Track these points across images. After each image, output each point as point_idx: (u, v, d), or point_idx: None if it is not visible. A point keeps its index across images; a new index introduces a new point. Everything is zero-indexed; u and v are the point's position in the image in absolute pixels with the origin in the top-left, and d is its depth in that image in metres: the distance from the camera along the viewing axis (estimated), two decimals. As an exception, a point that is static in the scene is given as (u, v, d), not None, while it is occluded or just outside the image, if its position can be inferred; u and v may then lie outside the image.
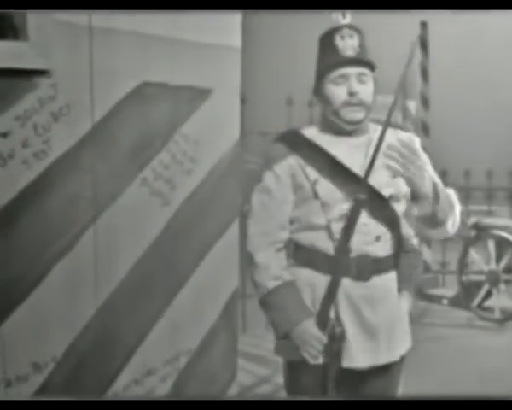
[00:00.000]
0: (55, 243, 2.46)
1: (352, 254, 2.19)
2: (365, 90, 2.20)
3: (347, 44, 2.21)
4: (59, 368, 2.49)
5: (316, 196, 2.21)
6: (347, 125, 2.23)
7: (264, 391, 4.41)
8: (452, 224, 2.28)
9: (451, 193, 2.31)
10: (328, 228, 2.20)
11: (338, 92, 2.20)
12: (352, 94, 2.18)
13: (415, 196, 2.20)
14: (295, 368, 2.27)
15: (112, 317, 2.63)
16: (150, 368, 2.78)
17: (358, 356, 2.21)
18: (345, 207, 2.18)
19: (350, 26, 2.25)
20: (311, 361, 2.17)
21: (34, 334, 2.42)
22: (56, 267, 2.46)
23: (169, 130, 2.80)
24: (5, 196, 2.34)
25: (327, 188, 2.21)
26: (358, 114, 2.21)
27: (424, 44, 7.39)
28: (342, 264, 2.18)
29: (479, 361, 5.06)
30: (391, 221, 2.25)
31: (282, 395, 2.39)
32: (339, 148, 2.24)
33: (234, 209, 3.09)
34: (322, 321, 2.19)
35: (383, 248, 2.24)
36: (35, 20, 2.36)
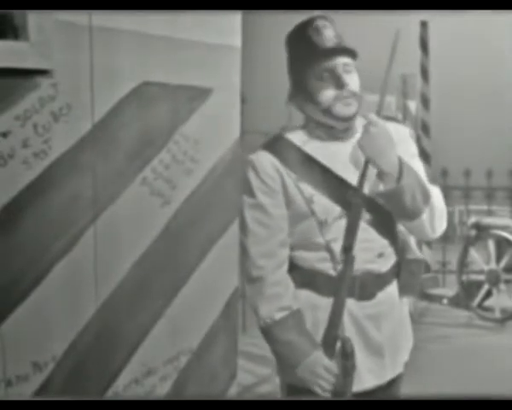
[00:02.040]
0: (56, 243, 2.45)
1: (355, 273, 2.07)
2: (353, 80, 2.06)
3: (325, 36, 2.04)
4: (59, 368, 2.49)
5: (312, 213, 2.09)
6: (340, 122, 2.08)
7: (264, 391, 4.42)
8: (430, 219, 2.10)
9: (435, 190, 2.16)
10: (327, 248, 2.09)
11: (326, 87, 2.05)
12: (342, 86, 2.03)
13: (379, 174, 2.06)
14: (299, 393, 2.15)
15: (112, 316, 2.63)
16: (150, 368, 2.78)
17: (366, 377, 2.14)
18: (343, 224, 2.06)
19: (320, 17, 2.09)
20: (323, 395, 2.07)
21: (34, 333, 2.42)
22: (57, 267, 2.46)
23: (169, 129, 2.79)
24: (5, 196, 2.34)
25: (324, 205, 2.08)
26: (351, 108, 2.06)
27: (424, 44, 7.40)
28: (346, 285, 2.05)
29: (479, 361, 5.07)
30: (392, 232, 2.16)
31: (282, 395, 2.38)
32: (332, 157, 2.11)
33: (234, 209, 3.09)
34: (329, 345, 2.08)
35: (386, 264, 2.15)
36: (35, 19, 2.36)
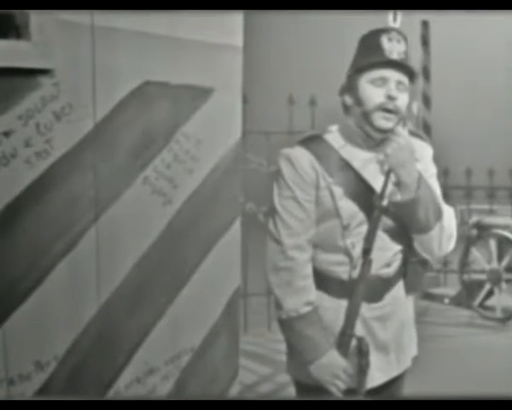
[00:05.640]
0: (58, 242, 2.46)
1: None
2: (401, 99, 2.11)
3: (394, 47, 2.09)
4: (61, 367, 2.49)
5: (338, 216, 2.13)
6: (375, 131, 2.12)
7: (265, 390, 4.42)
8: (438, 237, 2.17)
9: (449, 211, 2.22)
10: (346, 251, 2.14)
11: (375, 93, 2.09)
12: (390, 98, 2.08)
13: (397, 183, 2.11)
14: (308, 391, 2.18)
15: (114, 316, 2.63)
16: (152, 367, 2.78)
17: (375, 375, 2.18)
18: (363, 230, 2.12)
19: (398, 31, 2.15)
20: (339, 395, 2.11)
21: (36, 333, 2.43)
22: (59, 266, 2.47)
23: (171, 129, 2.80)
24: (8, 195, 2.35)
25: (350, 209, 2.13)
26: (389, 123, 2.10)
27: (426, 44, 7.40)
28: (363, 286, 2.11)
29: (480, 360, 5.07)
30: (406, 239, 2.20)
31: (284, 394, 2.39)
32: (364, 165, 2.16)
33: (236, 208, 3.10)
34: (344, 344, 2.12)
35: (393, 268, 2.21)
36: (37, 19, 2.37)
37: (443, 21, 7.51)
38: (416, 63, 2.18)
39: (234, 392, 3.14)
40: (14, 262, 2.37)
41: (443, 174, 6.78)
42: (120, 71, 2.61)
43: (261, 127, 5.82)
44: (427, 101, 7.44)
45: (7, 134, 2.33)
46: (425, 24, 7.36)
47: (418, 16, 6.66)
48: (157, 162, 2.75)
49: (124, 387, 2.69)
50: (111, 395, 2.65)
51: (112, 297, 2.62)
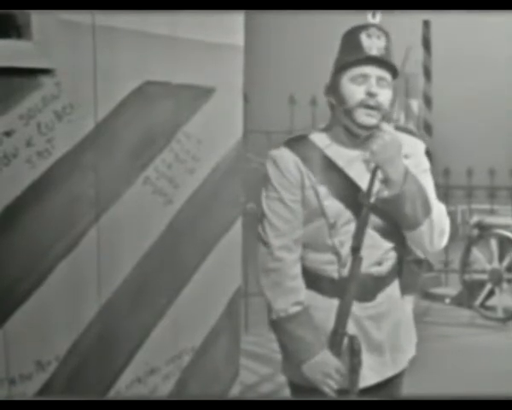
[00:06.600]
0: (59, 242, 2.46)
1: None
2: (384, 95, 2.09)
3: (373, 44, 2.08)
4: (62, 367, 2.50)
5: (323, 215, 2.13)
6: (359, 129, 2.10)
7: (266, 390, 4.42)
8: (429, 233, 2.14)
9: (440, 208, 2.19)
10: (334, 250, 2.13)
11: (355, 91, 2.07)
12: (370, 94, 2.06)
13: (385, 180, 2.09)
14: (306, 393, 2.16)
15: (115, 316, 2.64)
16: (153, 367, 2.79)
17: (367, 375, 2.16)
18: (351, 228, 2.11)
19: (378, 27, 2.13)
20: (332, 395, 2.10)
21: (37, 333, 2.43)
22: (60, 266, 2.47)
23: (172, 129, 2.80)
24: (9, 195, 2.35)
25: (336, 208, 2.12)
26: (372, 119, 2.07)
27: (427, 44, 7.41)
28: (354, 284, 2.10)
29: (481, 360, 5.07)
30: (397, 236, 2.19)
31: (285, 394, 2.39)
32: (350, 163, 2.15)
33: (236, 208, 3.10)
34: (336, 343, 2.12)
35: (386, 266, 2.19)
36: (38, 19, 2.37)
37: (443, 21, 7.51)
38: (397, 60, 2.16)
39: (235, 392, 3.14)
40: (15, 262, 2.37)
41: (444, 174, 6.79)
42: (121, 71, 2.61)
43: (262, 127, 5.82)
44: (428, 101, 7.44)
45: (8, 134, 2.33)
46: (426, 24, 7.36)
47: (418, 16, 6.66)
48: (158, 162, 2.75)
49: (125, 387, 2.70)
50: (112, 394, 2.65)
51: (113, 297, 2.62)
